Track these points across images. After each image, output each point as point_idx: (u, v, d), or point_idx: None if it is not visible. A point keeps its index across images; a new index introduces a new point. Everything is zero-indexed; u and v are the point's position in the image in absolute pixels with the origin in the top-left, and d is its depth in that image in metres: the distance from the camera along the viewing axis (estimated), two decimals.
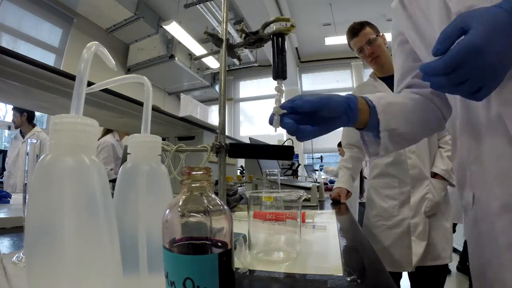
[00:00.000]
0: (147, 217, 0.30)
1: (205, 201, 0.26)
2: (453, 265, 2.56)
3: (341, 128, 0.72)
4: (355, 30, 1.26)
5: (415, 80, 0.62)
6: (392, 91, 0.72)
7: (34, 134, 2.45)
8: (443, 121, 0.59)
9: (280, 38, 0.49)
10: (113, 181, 0.35)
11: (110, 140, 2.15)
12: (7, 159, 2.57)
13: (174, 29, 3.67)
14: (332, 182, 3.65)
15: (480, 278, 0.50)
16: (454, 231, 1.65)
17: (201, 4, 3.45)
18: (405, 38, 0.61)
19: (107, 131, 2.22)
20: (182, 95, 2.02)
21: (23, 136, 2.48)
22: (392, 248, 1.18)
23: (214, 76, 5.64)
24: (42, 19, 3.37)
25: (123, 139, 2.26)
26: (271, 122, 0.47)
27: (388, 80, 1.20)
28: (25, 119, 2.46)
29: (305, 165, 4.05)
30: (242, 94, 6.22)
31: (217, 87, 5.63)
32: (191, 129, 1.44)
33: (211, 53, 0.72)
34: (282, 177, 1.72)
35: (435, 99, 0.58)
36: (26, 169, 0.41)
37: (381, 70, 1.27)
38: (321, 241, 0.59)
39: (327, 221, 0.77)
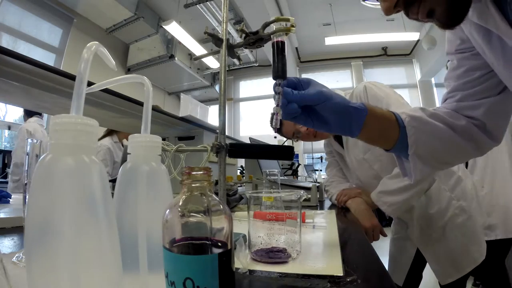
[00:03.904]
0: (147, 217, 0.30)
1: (205, 201, 0.26)
2: None
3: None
4: None
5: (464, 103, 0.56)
6: None
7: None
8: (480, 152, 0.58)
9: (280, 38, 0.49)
10: (113, 181, 0.35)
11: (107, 143, 2.10)
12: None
13: (174, 29, 3.67)
14: None
15: None
16: None
17: (201, 4, 3.44)
18: (469, 49, 0.54)
19: (107, 134, 2.17)
20: (182, 95, 2.02)
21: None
22: None
23: (214, 76, 5.64)
24: (42, 19, 3.36)
25: (123, 141, 2.24)
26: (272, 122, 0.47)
27: None
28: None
29: (305, 165, 4.05)
30: (242, 94, 6.22)
31: (217, 87, 5.63)
32: (191, 129, 1.44)
33: (211, 53, 0.72)
34: (282, 177, 1.72)
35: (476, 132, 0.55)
36: (26, 169, 0.41)
37: None
38: (321, 241, 0.59)
39: (327, 221, 0.77)
